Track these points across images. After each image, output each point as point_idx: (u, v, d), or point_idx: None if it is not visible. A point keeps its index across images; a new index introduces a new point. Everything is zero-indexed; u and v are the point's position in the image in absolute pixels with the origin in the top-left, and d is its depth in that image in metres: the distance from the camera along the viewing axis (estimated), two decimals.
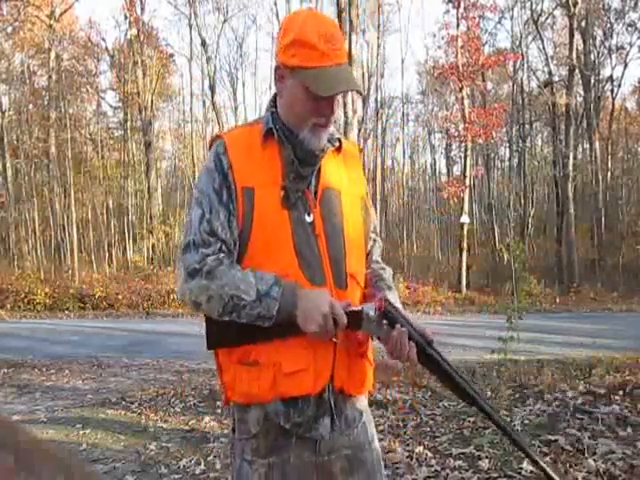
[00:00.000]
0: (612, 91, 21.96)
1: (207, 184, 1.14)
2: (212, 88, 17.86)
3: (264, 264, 1.11)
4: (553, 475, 1.19)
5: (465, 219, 14.65)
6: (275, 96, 1.22)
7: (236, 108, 26.80)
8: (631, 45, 21.06)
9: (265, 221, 1.12)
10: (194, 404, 4.21)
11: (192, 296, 1.11)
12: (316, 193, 1.18)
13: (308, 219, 1.15)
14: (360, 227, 1.25)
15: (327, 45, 1.10)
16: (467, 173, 15.15)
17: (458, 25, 14.78)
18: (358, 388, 1.21)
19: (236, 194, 1.13)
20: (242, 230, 1.13)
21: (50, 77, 19.91)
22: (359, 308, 1.13)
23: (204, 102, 23.97)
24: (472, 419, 3.33)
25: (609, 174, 21.69)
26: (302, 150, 1.16)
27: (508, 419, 3.24)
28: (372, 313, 1.11)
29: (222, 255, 1.11)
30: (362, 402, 1.25)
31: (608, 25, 20.67)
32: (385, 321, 1.11)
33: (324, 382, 1.13)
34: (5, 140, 20.05)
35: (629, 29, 20.52)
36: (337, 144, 1.22)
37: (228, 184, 1.13)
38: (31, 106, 22.58)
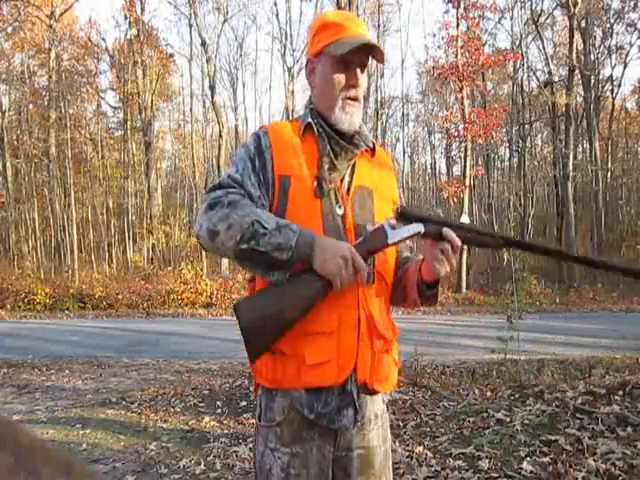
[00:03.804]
0: (612, 91, 21.98)
1: (244, 154, 1.20)
2: (212, 88, 17.82)
3: None
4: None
5: (465, 219, 14.58)
6: (310, 98, 1.28)
7: (236, 108, 26.82)
8: (631, 45, 21.16)
9: (297, 210, 1.15)
10: (194, 404, 4.21)
11: (210, 224, 1.08)
12: (349, 190, 1.21)
13: (339, 211, 1.18)
14: None
15: (346, 21, 1.23)
16: (467, 173, 15.14)
17: (458, 25, 14.76)
18: (381, 383, 1.21)
19: (273, 178, 1.16)
20: (277, 214, 1.15)
21: (50, 77, 19.91)
22: (378, 225, 1.14)
23: (204, 102, 23.98)
24: (472, 419, 3.33)
25: (609, 174, 21.70)
26: (337, 144, 1.20)
27: (508, 419, 3.24)
28: (392, 221, 1.12)
29: (244, 196, 1.13)
30: (380, 403, 1.26)
31: (608, 25, 20.67)
32: (407, 222, 1.13)
33: (347, 374, 1.14)
34: (5, 140, 20.04)
35: (629, 29, 20.55)
36: (371, 145, 1.26)
37: (264, 160, 1.17)
38: (31, 106, 22.59)
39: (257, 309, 1.11)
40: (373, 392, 1.20)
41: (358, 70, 1.19)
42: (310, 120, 1.21)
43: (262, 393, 1.21)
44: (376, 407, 1.24)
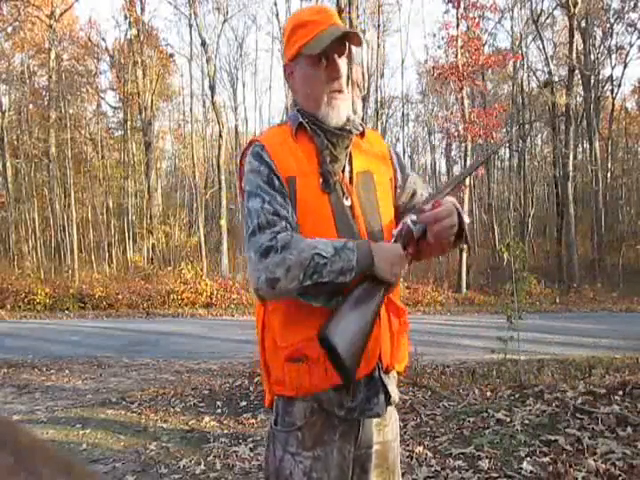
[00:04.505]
0: (612, 91, 21.98)
1: (256, 179, 1.16)
2: (212, 88, 17.82)
3: None
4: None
5: (465, 219, 14.62)
6: (295, 100, 1.28)
7: (236, 108, 26.83)
8: (631, 45, 21.13)
9: (307, 207, 1.15)
10: (194, 404, 4.21)
11: (268, 273, 1.06)
12: (351, 178, 1.22)
13: (347, 203, 1.18)
14: (391, 207, 1.29)
15: (318, 15, 1.20)
16: None
17: (458, 25, 14.77)
18: (400, 363, 1.24)
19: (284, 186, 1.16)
20: None
21: (50, 77, 19.91)
22: (403, 225, 1.19)
23: (204, 102, 24.00)
24: (472, 419, 3.33)
25: (609, 174, 21.69)
26: (333, 134, 1.19)
27: (508, 419, 3.24)
28: (413, 217, 1.18)
29: (290, 231, 1.11)
30: (395, 387, 1.27)
31: (608, 25, 20.66)
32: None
33: (374, 363, 1.15)
34: (5, 140, 20.03)
35: (629, 29, 20.55)
36: (361, 129, 1.26)
37: (276, 173, 1.16)
38: (31, 106, 22.58)
39: (346, 334, 1.06)
40: (393, 375, 1.23)
41: (336, 59, 1.18)
42: (301, 120, 1.21)
43: (279, 399, 1.20)
44: (394, 388, 1.25)
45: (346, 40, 1.19)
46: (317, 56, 1.16)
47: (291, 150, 1.19)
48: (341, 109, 1.20)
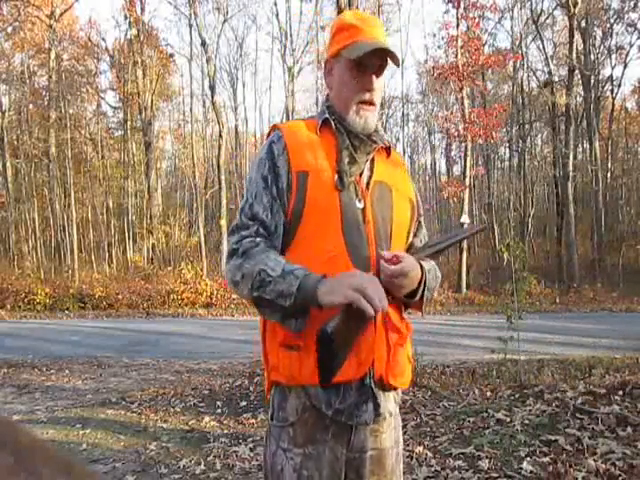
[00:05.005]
0: (612, 91, 21.99)
1: (256, 172, 1.19)
2: (212, 88, 17.81)
3: (313, 246, 1.13)
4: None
5: (465, 219, 14.62)
6: (328, 96, 1.29)
7: (236, 108, 26.83)
8: (631, 45, 21.18)
9: (316, 204, 1.15)
10: (194, 404, 4.21)
11: (230, 275, 1.14)
12: (368, 184, 1.21)
13: (359, 205, 1.18)
14: (406, 222, 1.27)
15: (363, 23, 1.22)
16: (467, 173, 15.14)
17: (458, 25, 14.77)
18: (396, 378, 1.21)
19: (290, 178, 1.16)
20: (294, 213, 1.15)
21: (50, 77, 19.92)
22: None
23: (204, 102, 23.99)
24: (472, 419, 3.33)
25: (609, 174, 21.70)
26: (357, 137, 1.20)
27: (508, 419, 3.24)
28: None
29: (259, 239, 1.13)
30: (393, 402, 1.26)
31: (608, 25, 20.67)
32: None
33: (366, 368, 1.14)
34: (5, 140, 20.03)
35: (629, 29, 20.56)
36: (387, 144, 1.27)
37: (277, 169, 1.17)
38: (31, 106, 22.59)
39: (341, 333, 1.03)
40: (388, 387, 1.20)
41: (373, 75, 1.19)
42: (327, 116, 1.22)
43: (275, 392, 1.21)
44: (390, 405, 1.23)
45: (386, 57, 1.20)
46: (353, 62, 1.18)
47: (311, 145, 1.19)
48: (369, 119, 1.21)
